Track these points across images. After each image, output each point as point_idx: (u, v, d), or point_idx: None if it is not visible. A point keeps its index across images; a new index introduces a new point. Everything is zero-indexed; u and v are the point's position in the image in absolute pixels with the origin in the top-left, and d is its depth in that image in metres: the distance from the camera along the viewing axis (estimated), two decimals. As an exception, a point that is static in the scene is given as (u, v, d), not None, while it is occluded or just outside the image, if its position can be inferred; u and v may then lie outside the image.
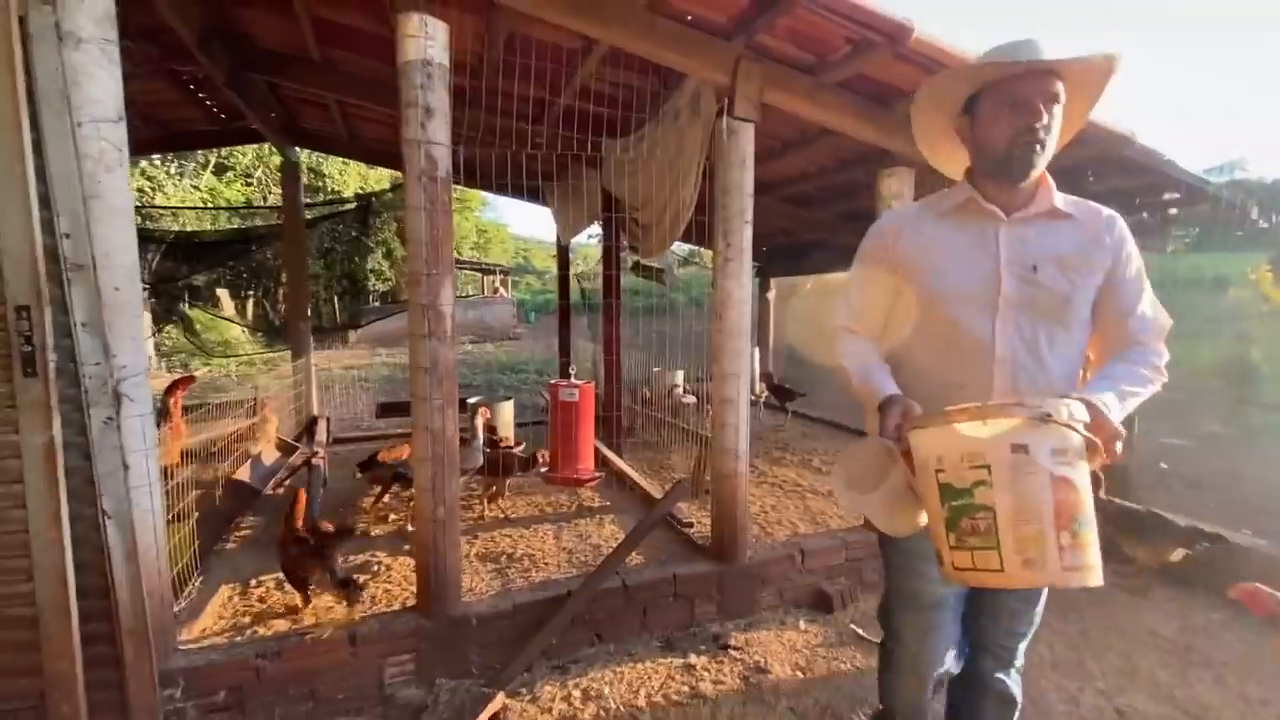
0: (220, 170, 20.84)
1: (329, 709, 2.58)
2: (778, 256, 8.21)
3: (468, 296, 26.79)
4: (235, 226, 8.77)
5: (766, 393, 7.15)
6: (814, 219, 6.33)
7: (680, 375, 6.69)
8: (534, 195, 6.76)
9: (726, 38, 3.02)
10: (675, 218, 3.72)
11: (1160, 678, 2.76)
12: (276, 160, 19.27)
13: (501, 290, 30.01)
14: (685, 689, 2.68)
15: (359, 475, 4.23)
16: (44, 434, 2.14)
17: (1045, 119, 1.48)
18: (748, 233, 3.15)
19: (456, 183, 7.32)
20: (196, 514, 3.30)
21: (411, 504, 3.80)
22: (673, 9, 2.89)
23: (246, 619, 2.88)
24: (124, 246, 2.26)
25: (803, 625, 3.21)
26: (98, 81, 2.17)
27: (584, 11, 2.79)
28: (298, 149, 6.28)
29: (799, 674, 2.80)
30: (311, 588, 2.94)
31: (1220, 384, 8.17)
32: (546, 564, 3.43)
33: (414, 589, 2.95)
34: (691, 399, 5.99)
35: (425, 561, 2.73)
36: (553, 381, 4.26)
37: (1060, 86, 1.48)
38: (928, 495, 1.35)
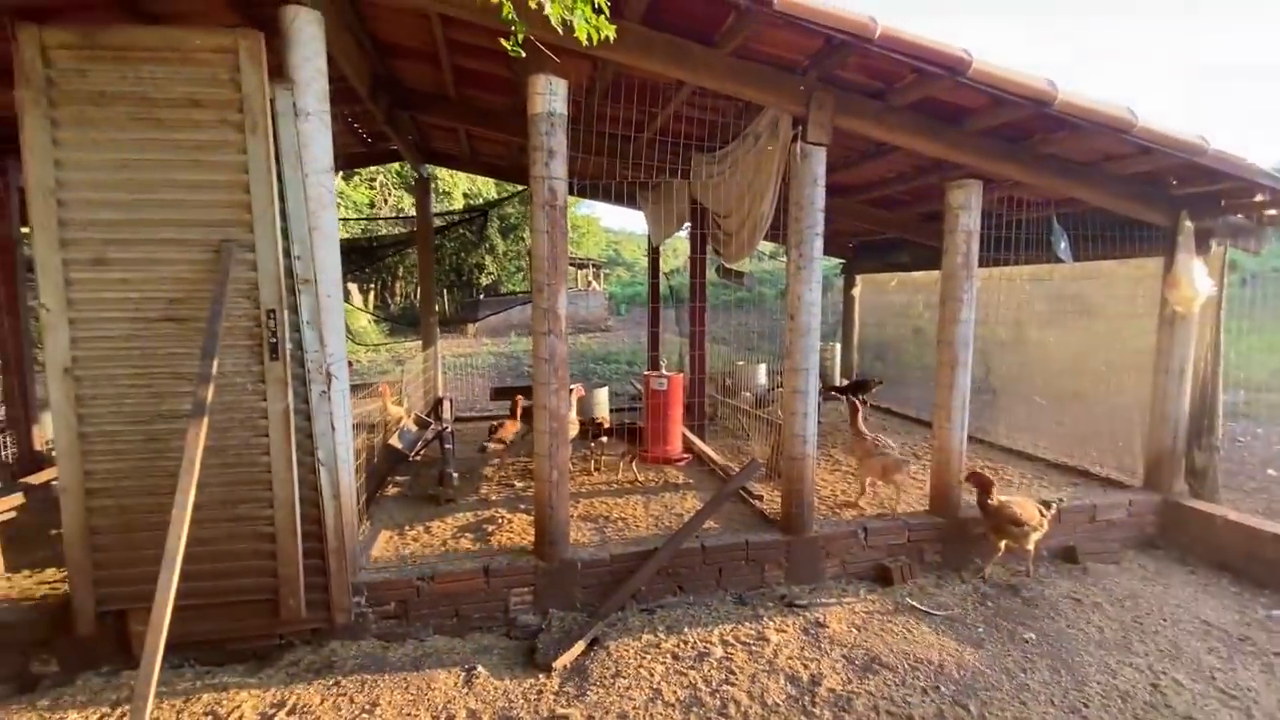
0: (348, 176, 23.16)
1: (468, 624, 3.31)
2: (864, 254, 8.37)
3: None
4: (368, 235, 10.03)
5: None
6: (896, 219, 6.51)
7: (763, 369, 7.08)
8: (629, 201, 7.38)
9: (801, 72, 3.44)
10: (754, 229, 4.17)
11: (1205, 661, 2.94)
12: (395, 166, 21.25)
13: (594, 284, 31.24)
14: (753, 633, 3.18)
15: (484, 447, 5.02)
16: (282, 402, 2.97)
17: None
18: (818, 244, 3.56)
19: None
20: (364, 472, 4.18)
21: (527, 471, 4.51)
22: (753, 52, 3.35)
23: (405, 552, 3.68)
24: (334, 264, 3.05)
25: (863, 594, 3.61)
26: (319, 143, 2.95)
27: (676, 61, 3.31)
28: (428, 166, 7.24)
29: (854, 631, 3.22)
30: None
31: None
32: (638, 526, 4.02)
33: (533, 538, 3.62)
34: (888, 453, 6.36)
35: (543, 515, 3.39)
36: (645, 372, 4.85)
37: None
38: None
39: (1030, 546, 3.67)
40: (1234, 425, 6.97)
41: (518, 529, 3.98)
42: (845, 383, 7.37)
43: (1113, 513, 4.20)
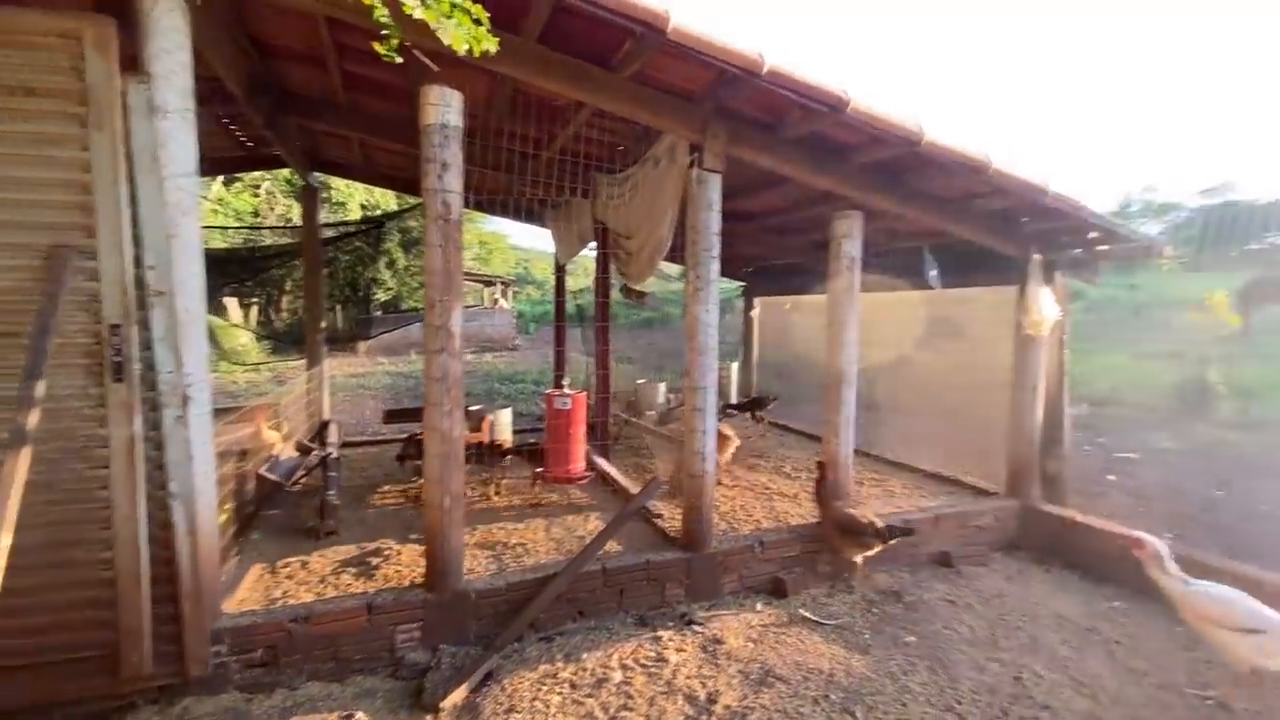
0: (229, 181, 21.42)
1: (348, 668, 3.05)
2: (763, 278, 8.75)
3: (469, 307, 27.38)
4: (249, 245, 9.30)
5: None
6: (792, 245, 6.87)
7: (663, 387, 7.17)
8: (534, 218, 7.32)
9: (697, 102, 3.56)
10: (655, 251, 4.24)
11: (1059, 652, 3.24)
12: (285, 173, 19.89)
13: (502, 301, 30.59)
14: (652, 655, 3.15)
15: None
16: (127, 429, 2.63)
17: None
18: (715, 267, 3.66)
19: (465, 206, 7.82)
20: (231, 504, 3.79)
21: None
22: (651, 79, 3.42)
23: (277, 593, 3.35)
24: (195, 275, 2.77)
25: (759, 607, 3.69)
26: (180, 143, 2.69)
27: (574, 81, 3.33)
28: (317, 174, 6.82)
29: (750, 645, 3.27)
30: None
31: (1176, 402, 8.69)
32: (538, 552, 3.91)
33: (422, 570, 3.42)
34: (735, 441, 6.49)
35: (434, 544, 3.21)
36: (549, 391, 4.76)
37: None
38: None
39: (858, 560, 3.86)
40: (1079, 435, 7.84)
41: (406, 561, 3.75)
42: (743, 400, 7.62)
43: (981, 519, 4.57)
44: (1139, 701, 2.84)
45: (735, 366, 7.93)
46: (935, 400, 5.89)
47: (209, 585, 2.84)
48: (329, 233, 8.24)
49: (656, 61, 3.21)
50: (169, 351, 2.71)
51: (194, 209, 2.77)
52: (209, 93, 4.59)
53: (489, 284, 30.60)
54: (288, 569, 3.64)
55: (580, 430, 4.55)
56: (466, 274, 27.37)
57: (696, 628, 3.43)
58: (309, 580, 3.49)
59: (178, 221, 2.70)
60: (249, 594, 3.36)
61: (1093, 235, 4.43)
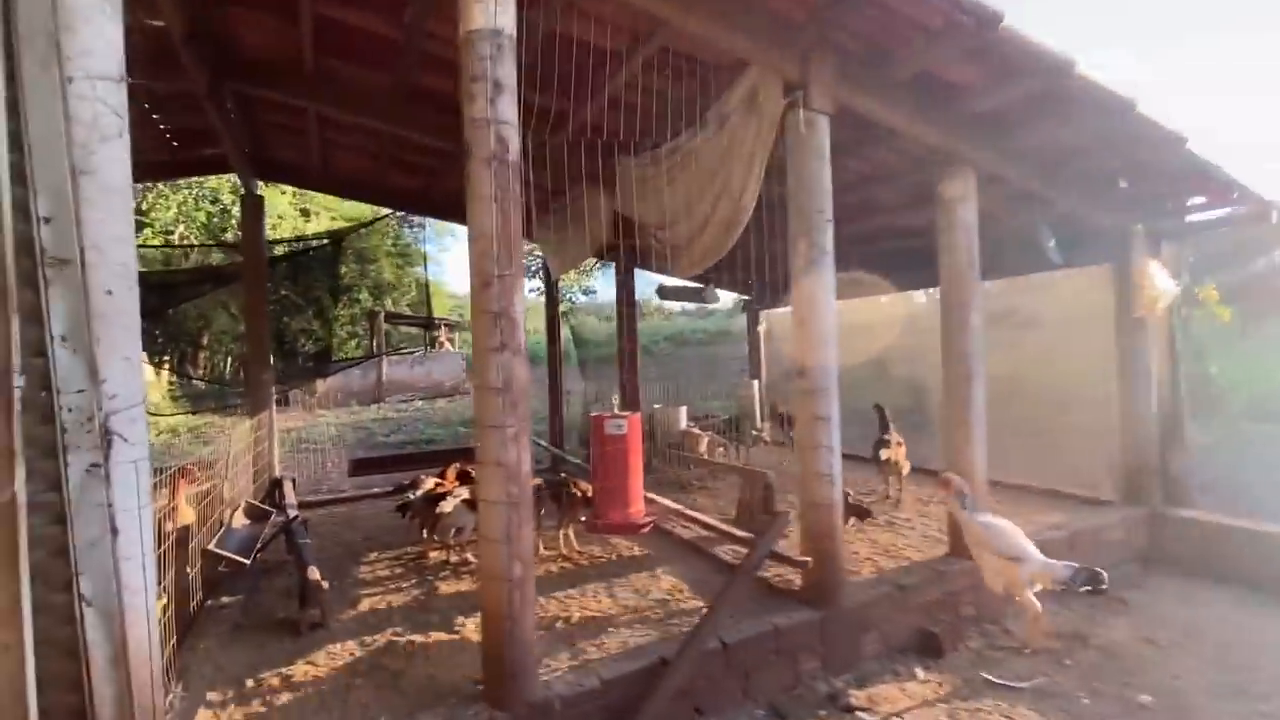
0: (148, 189, 18.26)
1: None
2: (764, 291, 8.08)
3: (410, 352, 25.73)
4: (166, 268, 7.86)
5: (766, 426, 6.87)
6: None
7: (684, 412, 6.31)
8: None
9: (798, 28, 2.83)
10: (725, 227, 3.43)
11: None
12: (202, 217, 17.68)
13: (446, 344, 28.99)
14: (828, 767, 2.20)
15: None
16: (1, 491, 1.54)
17: None
18: (829, 232, 2.88)
19: (426, 213, 6.77)
20: (168, 599, 2.60)
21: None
22: (747, -4, 2.67)
23: (253, 733, 2.21)
24: (120, 238, 1.73)
25: (920, 674, 2.79)
26: (96, 28, 1.69)
27: (658, -11, 2.53)
28: (260, 182, 5.70)
29: (947, 734, 2.37)
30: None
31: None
32: (616, 627, 2.89)
33: (469, 668, 2.37)
34: (707, 435, 5.62)
35: (497, 632, 2.17)
36: (595, 414, 3.78)
37: None
38: None
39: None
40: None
41: (439, 657, 2.66)
42: (766, 424, 6.83)
43: (1111, 532, 3.88)
44: None
45: (757, 385, 7.16)
46: (1011, 403, 5.25)
47: (149, 747, 1.72)
48: (278, 250, 7.01)
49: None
50: (77, 359, 1.64)
51: (119, 135, 1.75)
52: (138, 53, 3.53)
53: (432, 327, 29.00)
54: (265, 690, 2.47)
55: (638, 461, 3.59)
56: (407, 317, 25.93)
57: (862, 716, 2.50)
58: (302, 707, 2.35)
59: (91, 150, 1.68)
60: (207, 738, 2.20)
61: (1202, 199, 3.95)
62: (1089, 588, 2.72)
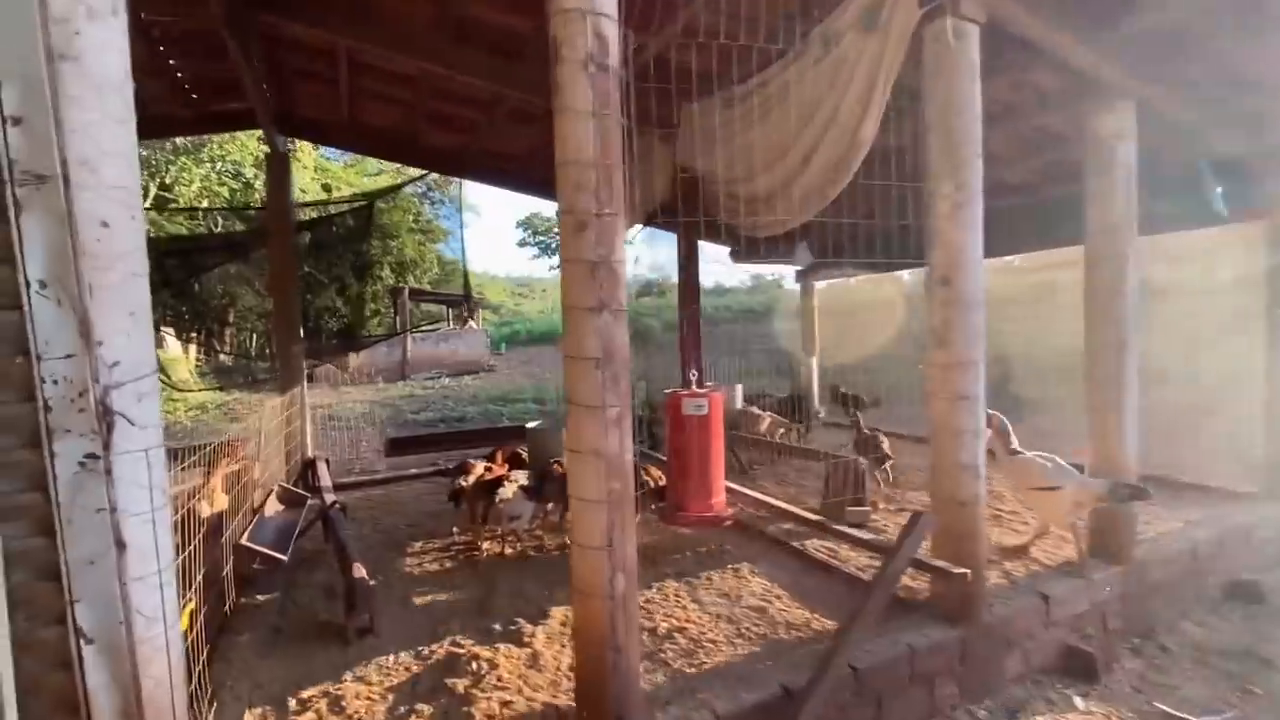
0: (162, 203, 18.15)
1: None
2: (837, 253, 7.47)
3: (436, 328, 25.51)
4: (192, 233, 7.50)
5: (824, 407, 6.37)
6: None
7: (740, 391, 5.84)
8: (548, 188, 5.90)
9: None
10: (832, 171, 2.91)
11: None
12: (225, 192, 17.24)
13: (472, 322, 28.74)
14: (1007, 832, 1.76)
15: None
16: (-37, 492, 1.13)
17: None
18: (978, 169, 2.35)
19: (463, 175, 6.20)
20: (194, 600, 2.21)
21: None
22: None
23: (300, 773, 1.83)
24: (118, 152, 1.29)
25: (1079, 703, 2.34)
26: None
27: None
28: (287, 140, 5.26)
29: (1141, 787, 1.91)
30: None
31: None
32: (711, 643, 2.46)
33: (539, 691, 1.96)
34: (768, 415, 5.16)
35: (599, 664, 1.74)
36: (671, 391, 3.31)
37: None
38: None
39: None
40: None
41: (509, 674, 2.25)
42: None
43: (1261, 529, 3.36)
44: None
45: (813, 362, 6.64)
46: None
47: (173, 818, 1.32)
48: (309, 213, 6.60)
49: None
50: (63, 314, 1.21)
51: (113, 12, 1.30)
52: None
53: (455, 304, 28.72)
54: (310, 713, 2.09)
55: (720, 447, 3.11)
56: (433, 294, 25.68)
57: (1027, 759, 2.05)
58: (352, 734, 1.96)
59: (75, 28, 1.23)
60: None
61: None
62: (1132, 499, 2.72)
